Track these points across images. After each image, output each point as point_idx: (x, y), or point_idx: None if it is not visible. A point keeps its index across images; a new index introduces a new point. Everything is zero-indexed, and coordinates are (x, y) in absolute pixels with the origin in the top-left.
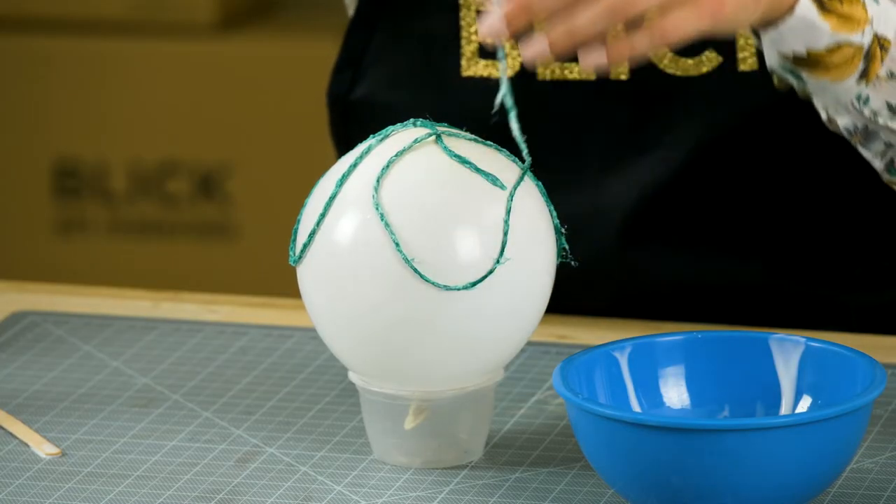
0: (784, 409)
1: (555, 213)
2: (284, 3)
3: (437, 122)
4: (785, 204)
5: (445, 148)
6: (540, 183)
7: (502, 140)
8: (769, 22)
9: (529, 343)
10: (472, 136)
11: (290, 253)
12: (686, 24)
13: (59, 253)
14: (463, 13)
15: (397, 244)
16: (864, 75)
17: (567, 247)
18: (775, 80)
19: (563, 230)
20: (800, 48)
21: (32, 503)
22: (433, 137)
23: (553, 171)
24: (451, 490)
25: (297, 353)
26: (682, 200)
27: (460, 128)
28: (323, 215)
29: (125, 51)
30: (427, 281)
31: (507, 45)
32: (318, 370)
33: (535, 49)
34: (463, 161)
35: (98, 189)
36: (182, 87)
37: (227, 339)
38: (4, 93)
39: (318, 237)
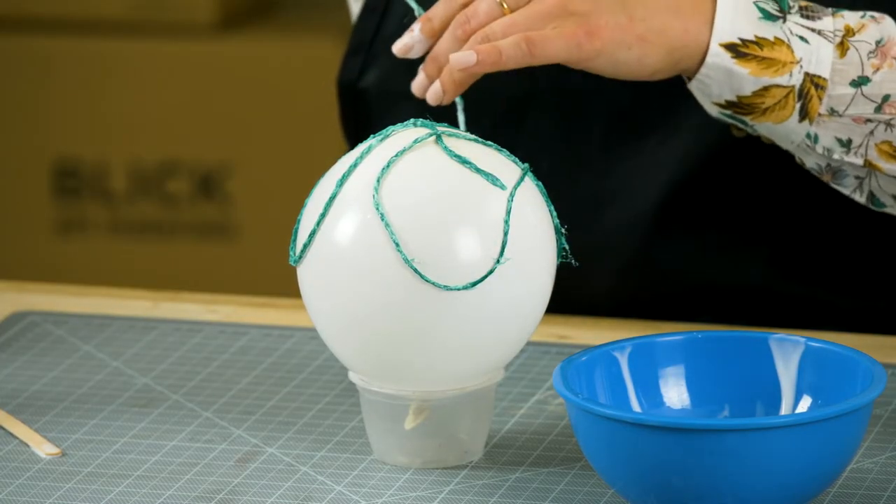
0: (784, 409)
1: (555, 213)
2: (284, 3)
3: (444, 107)
4: (786, 205)
5: (445, 148)
6: (540, 183)
7: (503, 140)
8: (684, 71)
9: (529, 343)
10: (473, 136)
11: (291, 253)
12: (551, 45)
13: (59, 253)
14: None
15: (397, 244)
16: (805, 115)
17: (567, 247)
18: (733, 130)
19: (563, 230)
20: (728, 95)
21: (32, 503)
22: (433, 137)
23: (555, 153)
24: (451, 490)
25: (297, 353)
26: (685, 184)
27: (466, 113)
28: (323, 215)
29: (125, 51)
30: (427, 281)
31: None
32: (318, 370)
33: (462, 56)
34: (463, 161)
35: (98, 189)
36: (182, 87)
37: (227, 339)
38: (4, 93)
39: (318, 237)
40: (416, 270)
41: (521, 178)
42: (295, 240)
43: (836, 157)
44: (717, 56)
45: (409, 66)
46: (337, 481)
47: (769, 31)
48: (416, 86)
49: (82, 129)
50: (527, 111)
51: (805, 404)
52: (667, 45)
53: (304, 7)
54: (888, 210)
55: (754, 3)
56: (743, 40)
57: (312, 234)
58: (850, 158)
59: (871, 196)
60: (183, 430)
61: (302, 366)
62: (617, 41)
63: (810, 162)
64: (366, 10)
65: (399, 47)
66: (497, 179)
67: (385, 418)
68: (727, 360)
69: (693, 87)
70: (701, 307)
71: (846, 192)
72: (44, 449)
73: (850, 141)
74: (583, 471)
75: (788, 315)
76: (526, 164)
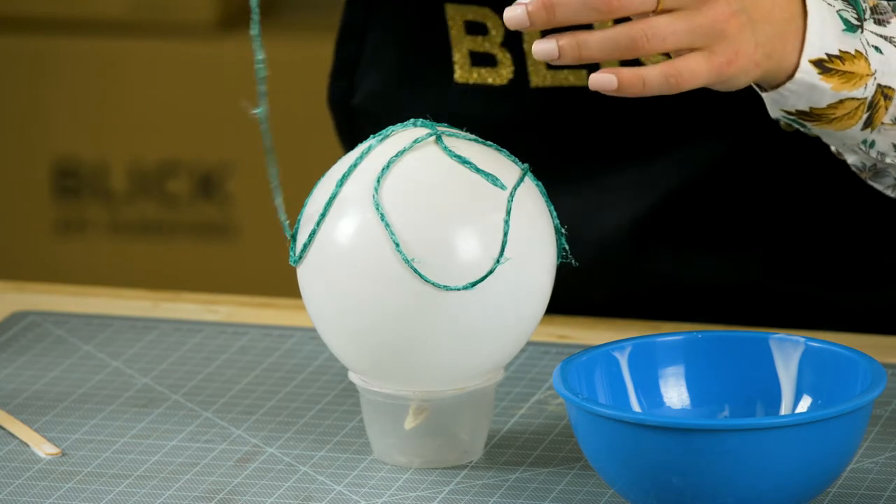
0: (784, 409)
1: (555, 213)
2: (284, 3)
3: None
4: (784, 203)
5: (445, 148)
6: (540, 183)
7: (503, 142)
8: (769, 83)
9: (529, 343)
10: (473, 136)
11: (291, 253)
12: (698, 72)
13: (59, 253)
14: (451, 24)
15: (397, 244)
16: (869, 124)
17: (567, 247)
18: (781, 124)
19: (563, 230)
20: (802, 106)
21: (32, 503)
22: (433, 137)
23: (549, 176)
24: (451, 490)
25: (297, 353)
26: (682, 204)
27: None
28: (323, 215)
29: (125, 51)
30: (427, 281)
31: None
32: (318, 370)
33: (545, 48)
34: (463, 161)
35: (98, 189)
36: (182, 87)
37: (227, 339)
38: (4, 93)
39: (318, 237)
40: (416, 270)
41: (521, 178)
42: (295, 240)
43: (887, 160)
44: (806, 73)
45: (397, 85)
46: (337, 481)
47: (851, 44)
48: (512, 18)
49: (82, 129)
50: (519, 135)
51: (805, 404)
52: (770, 68)
53: (304, 7)
54: None
55: (837, 11)
56: (829, 55)
57: (312, 234)
58: None
59: None
60: (183, 430)
61: (302, 366)
62: (743, 68)
63: (853, 160)
64: (344, 31)
65: (512, 20)
66: (497, 179)
67: (385, 418)
68: (727, 360)
69: (768, 96)
70: (700, 307)
71: (879, 187)
72: (44, 449)
73: None
74: (583, 471)
75: (788, 315)
76: (526, 164)
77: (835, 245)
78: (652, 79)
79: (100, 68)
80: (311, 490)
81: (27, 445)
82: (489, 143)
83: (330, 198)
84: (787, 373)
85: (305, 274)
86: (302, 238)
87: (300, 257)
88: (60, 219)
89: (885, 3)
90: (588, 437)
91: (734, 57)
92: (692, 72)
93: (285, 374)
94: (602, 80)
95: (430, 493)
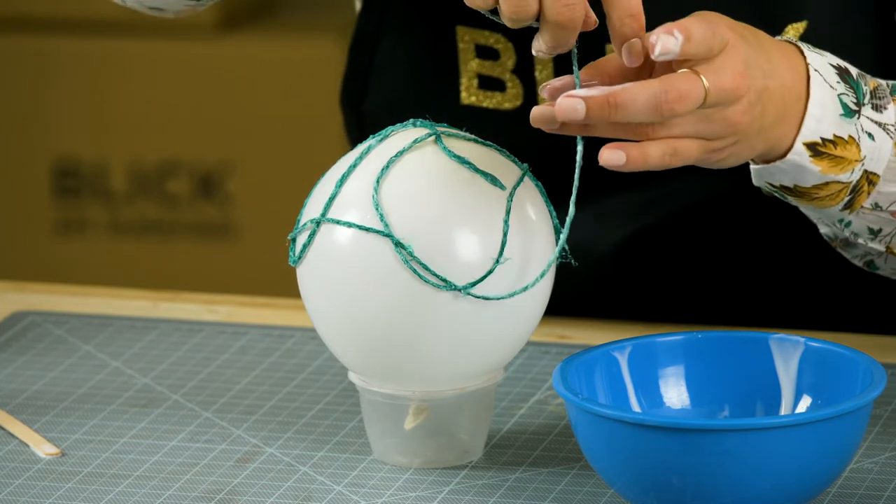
0: (784, 409)
1: (554, 214)
2: (285, 3)
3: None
4: (784, 212)
5: (445, 148)
6: (539, 183)
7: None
8: (759, 160)
9: (529, 343)
10: (472, 137)
11: (290, 253)
12: (690, 154)
13: (59, 253)
14: (460, 46)
15: (397, 244)
16: (849, 206)
17: (567, 247)
18: (763, 190)
19: (562, 230)
20: (787, 182)
21: (32, 503)
22: (433, 137)
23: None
24: (451, 490)
25: (297, 353)
26: (678, 225)
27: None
28: (323, 215)
29: (125, 51)
30: (427, 281)
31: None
32: (318, 370)
33: (571, 104)
34: (463, 161)
35: (98, 189)
36: (182, 87)
37: (227, 339)
38: (4, 93)
39: (318, 237)
40: (415, 271)
41: (521, 178)
42: (295, 240)
43: (859, 241)
44: (798, 154)
45: (405, 100)
46: (337, 481)
47: (846, 129)
48: (564, 109)
49: (82, 129)
50: (521, 158)
51: (805, 404)
52: (767, 153)
53: (304, 7)
54: (880, 272)
55: (838, 95)
56: (823, 139)
57: (312, 235)
58: (874, 245)
59: (871, 262)
60: (183, 430)
61: (302, 366)
62: (738, 154)
63: (825, 231)
64: (358, 37)
65: (563, 111)
66: (497, 179)
67: (385, 418)
68: (727, 360)
69: (755, 169)
70: (700, 307)
71: (847, 256)
72: (44, 449)
73: (879, 230)
74: (583, 471)
75: (788, 315)
76: (525, 164)
77: (833, 259)
78: (652, 155)
79: (100, 68)
80: (311, 490)
81: (27, 445)
82: (489, 143)
83: (330, 198)
84: (787, 373)
85: (305, 274)
86: (302, 238)
87: (300, 257)
88: (60, 219)
89: (885, 85)
90: (588, 437)
91: (731, 146)
92: (686, 152)
93: (285, 374)
94: (613, 158)
95: (430, 493)
